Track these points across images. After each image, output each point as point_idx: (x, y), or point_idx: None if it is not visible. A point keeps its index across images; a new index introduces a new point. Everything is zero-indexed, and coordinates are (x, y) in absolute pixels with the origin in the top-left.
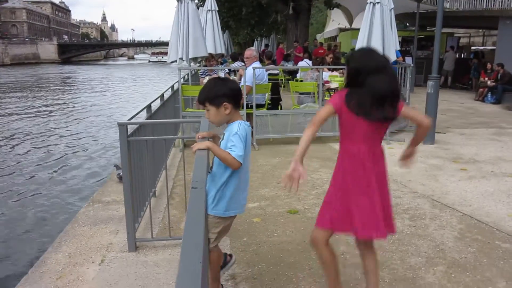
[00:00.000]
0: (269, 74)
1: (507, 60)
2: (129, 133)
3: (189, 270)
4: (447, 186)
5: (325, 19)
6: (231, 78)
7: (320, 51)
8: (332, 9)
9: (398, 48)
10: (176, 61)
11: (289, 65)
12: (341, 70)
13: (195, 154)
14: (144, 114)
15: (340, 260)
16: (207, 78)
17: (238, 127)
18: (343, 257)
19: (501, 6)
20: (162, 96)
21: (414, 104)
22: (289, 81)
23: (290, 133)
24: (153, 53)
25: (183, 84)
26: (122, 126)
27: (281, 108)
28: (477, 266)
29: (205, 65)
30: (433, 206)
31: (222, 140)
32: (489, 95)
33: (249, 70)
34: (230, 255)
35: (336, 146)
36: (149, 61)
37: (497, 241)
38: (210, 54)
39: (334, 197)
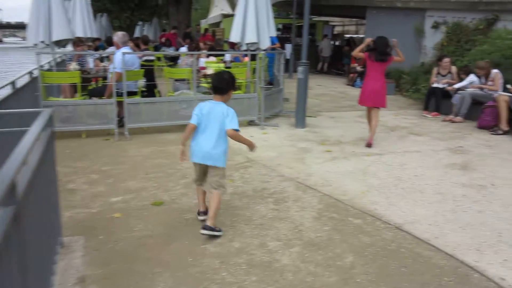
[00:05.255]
0: (145, 60)
1: None
2: None
3: None
4: (312, 168)
5: (209, 5)
6: (102, 64)
7: (208, 37)
8: None
9: (274, 34)
10: (37, 44)
11: (170, 51)
12: (220, 57)
13: None
14: None
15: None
16: (73, 64)
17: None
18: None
19: None
20: (13, 83)
21: (290, 89)
22: (163, 68)
23: (166, 121)
24: None
25: (45, 70)
26: None
27: (160, 95)
28: (330, 244)
29: (74, 50)
30: (297, 188)
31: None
32: (358, 79)
33: (118, 55)
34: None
35: None
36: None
37: (350, 217)
38: (78, 38)
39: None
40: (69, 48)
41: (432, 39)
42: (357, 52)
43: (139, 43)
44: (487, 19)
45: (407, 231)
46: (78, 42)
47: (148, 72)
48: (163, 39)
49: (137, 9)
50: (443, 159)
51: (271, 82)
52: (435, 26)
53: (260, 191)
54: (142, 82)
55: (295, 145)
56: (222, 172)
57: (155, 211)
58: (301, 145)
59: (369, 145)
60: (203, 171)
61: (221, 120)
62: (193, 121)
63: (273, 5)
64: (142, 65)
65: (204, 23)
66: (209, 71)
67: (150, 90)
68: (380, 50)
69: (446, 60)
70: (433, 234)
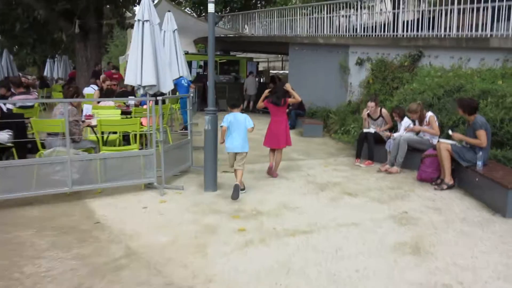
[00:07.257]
0: (21, 107)
1: (297, 83)
2: None
3: None
4: (215, 264)
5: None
6: None
7: (114, 76)
8: (126, 29)
9: (185, 74)
10: None
11: None
12: (123, 101)
13: None
14: None
15: None
16: None
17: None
18: None
19: (291, 33)
20: None
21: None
22: (31, 119)
23: (35, 190)
24: None
25: None
26: None
27: (40, 154)
28: None
29: None
30: None
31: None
32: None
33: None
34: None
35: (94, 204)
36: None
37: None
38: None
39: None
40: None
41: (358, 76)
42: (261, 104)
43: (10, 87)
44: (411, 55)
45: None
46: None
47: (19, 124)
48: (97, 77)
49: (38, 45)
50: (388, 235)
51: (187, 127)
52: (359, 62)
53: None
54: (5, 135)
55: (198, 220)
56: (244, 155)
57: None
58: (206, 220)
59: (274, 176)
60: (235, 157)
61: (243, 123)
62: (225, 124)
63: (197, 41)
64: (13, 114)
65: (122, 60)
66: (94, 122)
67: (25, 147)
68: (277, 94)
69: (370, 104)
70: None
